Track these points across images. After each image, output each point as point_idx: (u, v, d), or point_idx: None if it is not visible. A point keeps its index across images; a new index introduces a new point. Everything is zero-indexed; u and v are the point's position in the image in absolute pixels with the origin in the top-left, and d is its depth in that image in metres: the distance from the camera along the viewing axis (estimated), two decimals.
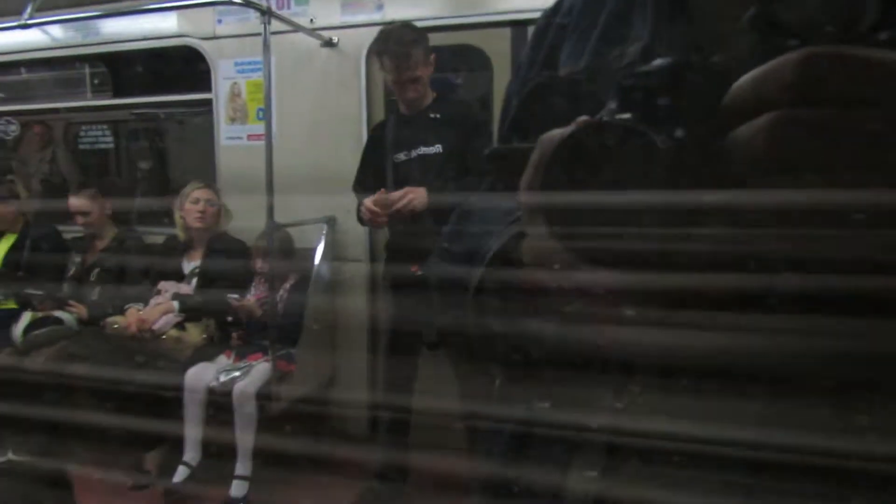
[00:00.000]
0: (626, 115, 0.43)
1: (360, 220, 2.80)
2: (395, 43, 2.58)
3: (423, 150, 2.66)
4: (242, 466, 2.83)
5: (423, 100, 2.69)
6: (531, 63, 0.70)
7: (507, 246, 0.57)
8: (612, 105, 0.44)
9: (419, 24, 3.10)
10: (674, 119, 0.40)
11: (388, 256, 2.91)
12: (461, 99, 2.97)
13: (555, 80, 0.59)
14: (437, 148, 2.65)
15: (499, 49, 3.09)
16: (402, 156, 2.70)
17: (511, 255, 0.53)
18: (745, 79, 0.35)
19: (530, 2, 2.94)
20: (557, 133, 0.47)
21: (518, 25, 3.02)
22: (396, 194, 2.47)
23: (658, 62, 0.43)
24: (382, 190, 2.53)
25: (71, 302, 3.40)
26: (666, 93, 0.41)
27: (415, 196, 2.45)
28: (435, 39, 3.13)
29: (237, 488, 2.79)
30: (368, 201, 2.53)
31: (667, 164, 0.40)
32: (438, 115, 2.68)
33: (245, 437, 2.83)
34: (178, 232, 3.32)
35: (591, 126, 0.44)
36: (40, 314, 3.32)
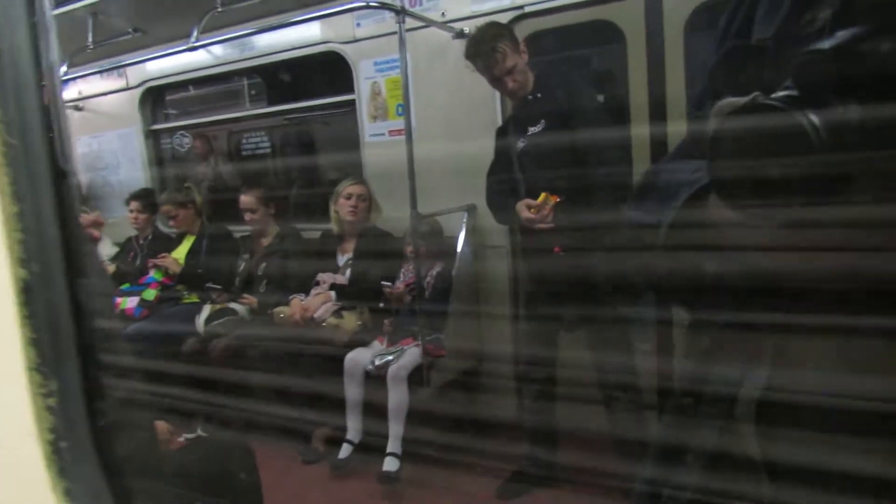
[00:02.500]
0: (792, 93, 0.43)
1: (502, 220, 3.01)
2: (480, 43, 2.68)
3: (532, 130, 2.74)
4: (394, 444, 3.00)
5: (525, 86, 2.76)
6: (727, 29, 0.70)
7: (690, 208, 0.61)
8: (789, 82, 0.44)
9: (549, 4, 3.10)
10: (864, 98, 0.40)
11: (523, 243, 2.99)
12: (559, 74, 2.95)
13: (745, 48, 0.59)
14: (541, 125, 2.72)
15: (632, 21, 3.00)
16: (520, 144, 2.79)
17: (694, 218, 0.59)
18: None
19: None
20: (727, 104, 0.49)
21: None
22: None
23: (846, 33, 0.42)
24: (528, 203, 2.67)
25: (244, 295, 3.77)
26: (855, 67, 0.40)
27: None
28: (567, 18, 3.11)
29: (389, 464, 2.97)
30: (526, 213, 2.65)
31: (819, 148, 0.40)
32: (539, 95, 2.75)
33: (397, 418, 3.00)
34: (333, 225, 3.56)
35: (746, 107, 0.45)
36: (218, 306, 3.70)
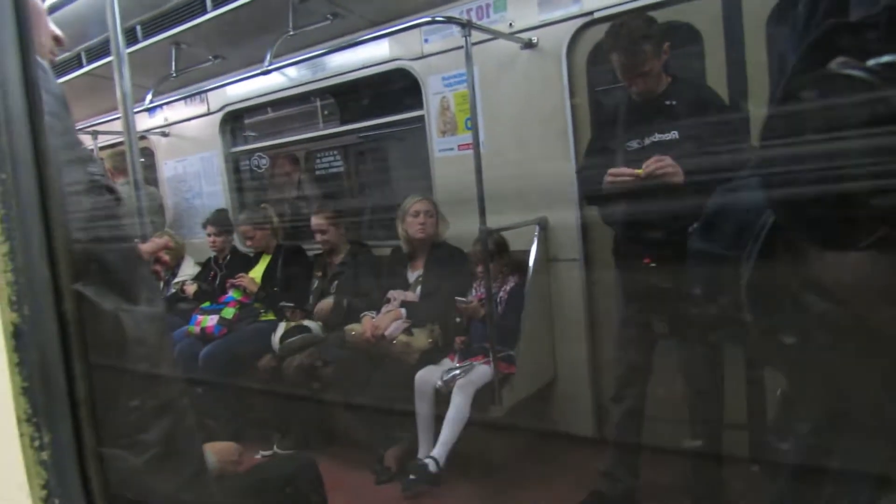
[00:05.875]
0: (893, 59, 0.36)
1: (589, 198, 2.78)
2: (625, 39, 2.44)
3: (658, 137, 2.50)
4: (440, 450, 2.94)
5: (656, 88, 2.53)
6: (811, 12, 0.64)
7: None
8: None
9: (618, 8, 2.99)
10: None
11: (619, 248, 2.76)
12: (697, 82, 2.73)
13: (845, 26, 0.52)
14: (673, 135, 2.47)
15: (709, 21, 2.85)
16: (634, 144, 2.55)
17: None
18: None
19: None
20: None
21: None
22: (652, 160, 2.30)
23: None
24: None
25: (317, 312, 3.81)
26: None
27: (673, 167, 2.28)
28: None
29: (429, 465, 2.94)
30: (613, 169, 2.40)
31: None
32: (674, 102, 2.51)
33: (452, 427, 2.94)
34: (402, 243, 3.54)
35: (813, 78, 0.39)
36: (293, 324, 3.75)
